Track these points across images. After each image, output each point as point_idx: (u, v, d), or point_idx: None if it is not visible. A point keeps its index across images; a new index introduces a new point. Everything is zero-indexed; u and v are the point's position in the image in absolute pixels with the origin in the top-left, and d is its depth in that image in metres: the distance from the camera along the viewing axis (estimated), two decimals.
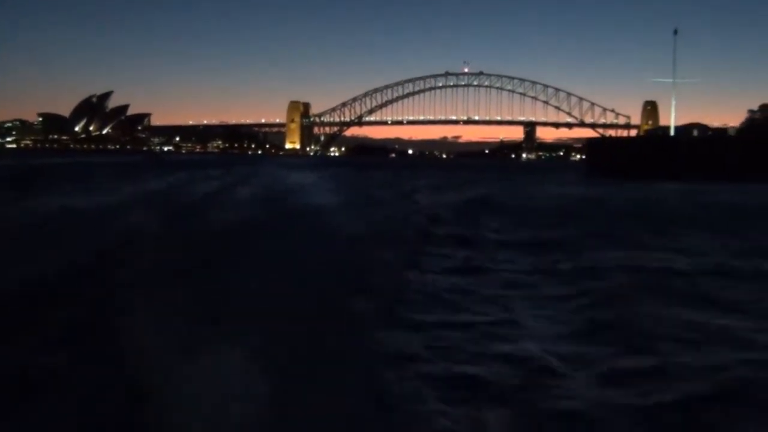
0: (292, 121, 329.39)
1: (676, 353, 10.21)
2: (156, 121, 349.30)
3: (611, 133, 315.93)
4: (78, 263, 15.11)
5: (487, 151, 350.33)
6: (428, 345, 10.33)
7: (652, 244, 23.76)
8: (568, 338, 11.12)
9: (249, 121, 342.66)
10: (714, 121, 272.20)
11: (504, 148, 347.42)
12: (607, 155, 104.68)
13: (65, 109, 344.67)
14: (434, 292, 14.20)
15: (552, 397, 8.41)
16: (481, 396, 8.31)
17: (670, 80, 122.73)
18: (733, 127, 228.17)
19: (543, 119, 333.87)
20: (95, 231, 21.94)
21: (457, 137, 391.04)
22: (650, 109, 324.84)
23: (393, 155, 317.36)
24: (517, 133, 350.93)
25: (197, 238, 20.15)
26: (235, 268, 15.21)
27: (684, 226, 29.88)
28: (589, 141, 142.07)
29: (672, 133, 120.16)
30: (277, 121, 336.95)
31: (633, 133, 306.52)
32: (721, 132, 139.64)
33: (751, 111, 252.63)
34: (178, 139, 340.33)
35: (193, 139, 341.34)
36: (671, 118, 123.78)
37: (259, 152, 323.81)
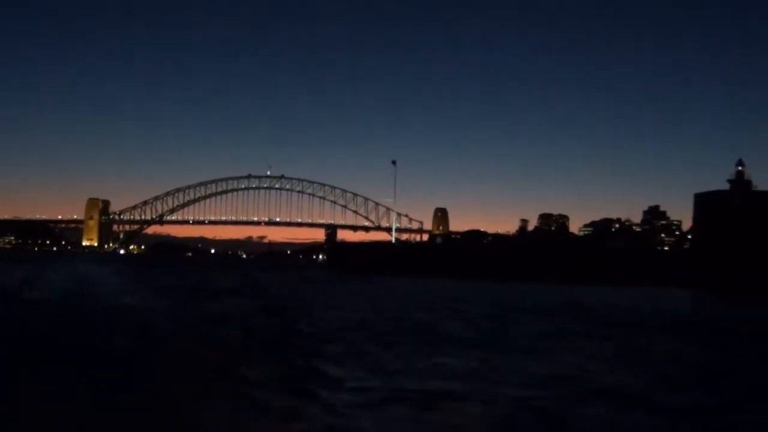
0: (91, 218, 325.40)
1: None
2: None
3: (405, 236, 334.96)
4: None
5: (289, 252, 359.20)
6: None
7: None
8: None
9: (44, 216, 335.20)
10: (499, 227, 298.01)
11: (306, 249, 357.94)
12: (343, 256, 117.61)
13: None
14: None
15: None
16: None
17: (392, 200, 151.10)
18: (508, 233, 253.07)
19: (342, 222, 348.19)
20: None
21: (262, 237, 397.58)
22: (441, 215, 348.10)
23: (189, 254, 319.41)
24: (322, 235, 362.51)
25: None
26: None
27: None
28: (330, 245, 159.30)
29: (393, 240, 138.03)
30: (75, 217, 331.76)
31: (426, 237, 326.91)
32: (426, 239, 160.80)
33: (522, 220, 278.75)
34: None
35: None
36: (392, 228, 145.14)
37: (55, 249, 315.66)
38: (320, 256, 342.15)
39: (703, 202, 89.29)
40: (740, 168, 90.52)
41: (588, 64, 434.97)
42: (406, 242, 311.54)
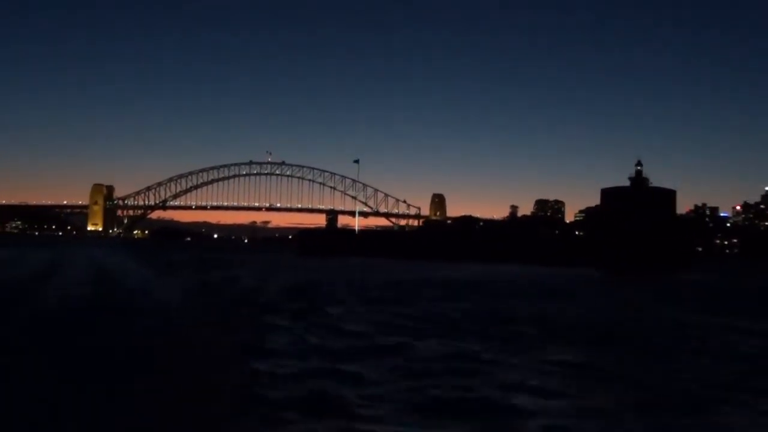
0: (95, 203, 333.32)
1: None
2: None
3: (403, 222, 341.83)
4: None
5: (291, 237, 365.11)
6: None
7: None
8: None
9: (51, 202, 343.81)
10: (494, 213, 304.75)
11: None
12: (307, 241, 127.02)
13: None
14: None
15: None
16: None
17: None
18: (502, 218, 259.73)
19: (341, 208, 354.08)
20: None
21: (266, 222, 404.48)
22: (438, 201, 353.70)
23: (188, 239, 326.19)
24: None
25: None
26: None
27: None
28: (299, 231, 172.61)
29: (356, 227, 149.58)
30: (80, 203, 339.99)
31: (422, 222, 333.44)
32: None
33: (512, 206, 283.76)
34: None
35: None
36: (356, 217, 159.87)
37: (60, 234, 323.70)
38: None
39: (607, 196, 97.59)
40: (638, 167, 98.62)
41: (587, 46, 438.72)
42: (404, 227, 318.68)
